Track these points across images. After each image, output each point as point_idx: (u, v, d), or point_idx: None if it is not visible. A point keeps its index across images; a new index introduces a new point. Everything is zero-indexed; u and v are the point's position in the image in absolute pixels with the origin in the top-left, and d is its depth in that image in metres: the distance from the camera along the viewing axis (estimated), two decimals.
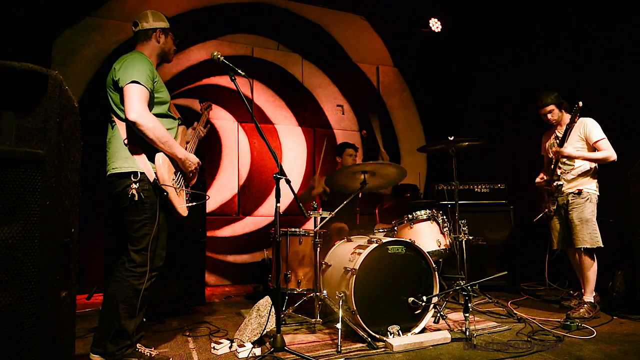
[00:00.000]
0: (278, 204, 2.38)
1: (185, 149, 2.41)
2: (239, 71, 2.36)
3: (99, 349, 2.14)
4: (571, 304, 3.39)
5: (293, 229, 3.19)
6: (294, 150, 5.58)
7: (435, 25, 6.03)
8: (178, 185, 2.25)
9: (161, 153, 2.16)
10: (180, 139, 2.40)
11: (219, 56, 2.35)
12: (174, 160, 2.25)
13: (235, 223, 5.17)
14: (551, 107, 3.37)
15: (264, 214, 5.30)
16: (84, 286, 3.73)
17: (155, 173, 2.13)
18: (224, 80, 5.16)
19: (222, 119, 5.20)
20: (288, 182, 2.43)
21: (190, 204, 2.32)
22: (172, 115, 2.39)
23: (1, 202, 1.15)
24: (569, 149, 3.24)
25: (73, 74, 4.36)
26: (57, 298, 1.34)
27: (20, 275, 1.16)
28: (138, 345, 2.24)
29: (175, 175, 2.26)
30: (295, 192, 2.57)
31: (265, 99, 5.49)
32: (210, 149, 5.03)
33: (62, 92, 1.32)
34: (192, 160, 2.34)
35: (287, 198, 4.99)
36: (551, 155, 3.41)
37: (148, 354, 2.24)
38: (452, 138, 3.47)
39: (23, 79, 1.23)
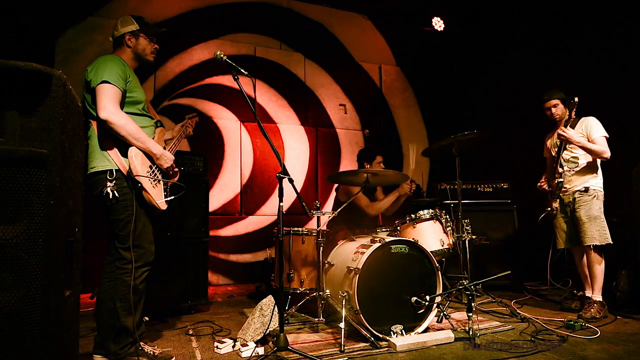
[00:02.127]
0: (281, 203, 2.38)
1: (165, 147, 2.40)
2: (242, 70, 2.36)
3: (101, 351, 2.16)
4: (572, 305, 3.38)
5: (296, 228, 3.19)
6: (296, 150, 5.58)
7: (438, 24, 6.02)
8: (153, 178, 2.25)
9: (134, 147, 2.17)
10: (156, 138, 2.38)
11: (222, 56, 2.35)
12: (148, 155, 2.25)
13: (238, 222, 5.17)
14: (556, 101, 3.38)
15: (266, 214, 5.30)
16: (87, 285, 3.74)
17: (129, 165, 2.14)
18: (226, 80, 5.16)
19: (225, 119, 5.20)
20: (291, 181, 2.43)
21: (169, 198, 2.31)
22: (148, 114, 2.38)
23: (5, 202, 1.15)
24: (570, 131, 3.21)
25: (75, 74, 4.32)
26: (61, 297, 1.34)
27: (24, 275, 1.16)
28: (141, 343, 2.25)
29: (150, 169, 2.26)
30: (298, 191, 2.57)
31: (267, 99, 5.49)
32: (212, 148, 5.03)
33: (65, 92, 1.32)
34: (168, 157, 2.32)
35: (290, 197, 5.01)
36: (553, 153, 3.41)
37: (151, 352, 2.25)
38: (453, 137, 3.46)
39: (27, 79, 1.23)
